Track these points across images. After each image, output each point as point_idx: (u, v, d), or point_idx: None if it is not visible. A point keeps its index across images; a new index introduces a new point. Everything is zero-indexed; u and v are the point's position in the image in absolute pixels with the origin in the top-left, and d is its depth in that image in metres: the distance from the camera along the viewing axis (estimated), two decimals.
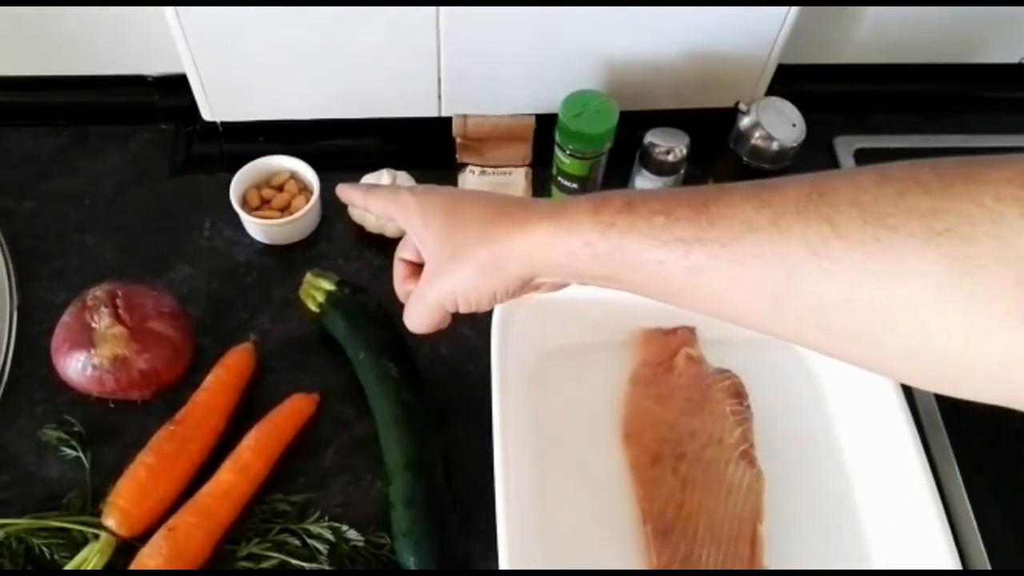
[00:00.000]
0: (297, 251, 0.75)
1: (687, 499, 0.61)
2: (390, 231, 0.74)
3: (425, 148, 0.81)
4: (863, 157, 0.84)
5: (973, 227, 0.29)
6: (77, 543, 0.57)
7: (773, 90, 0.81)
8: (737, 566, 0.58)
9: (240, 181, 0.74)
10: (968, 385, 0.32)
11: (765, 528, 0.60)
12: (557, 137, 0.73)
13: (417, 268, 0.53)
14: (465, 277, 0.46)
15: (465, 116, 0.78)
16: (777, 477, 0.62)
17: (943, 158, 0.32)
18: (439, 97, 0.79)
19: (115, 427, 0.64)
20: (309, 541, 0.59)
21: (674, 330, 0.68)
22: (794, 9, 0.73)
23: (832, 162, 0.85)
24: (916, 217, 0.31)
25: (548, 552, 0.59)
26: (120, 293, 0.63)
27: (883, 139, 0.87)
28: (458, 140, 0.79)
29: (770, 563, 0.59)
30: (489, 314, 0.61)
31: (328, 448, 0.65)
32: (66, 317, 0.63)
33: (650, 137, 0.73)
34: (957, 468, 0.64)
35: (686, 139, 0.73)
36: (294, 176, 0.76)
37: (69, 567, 0.55)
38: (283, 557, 0.58)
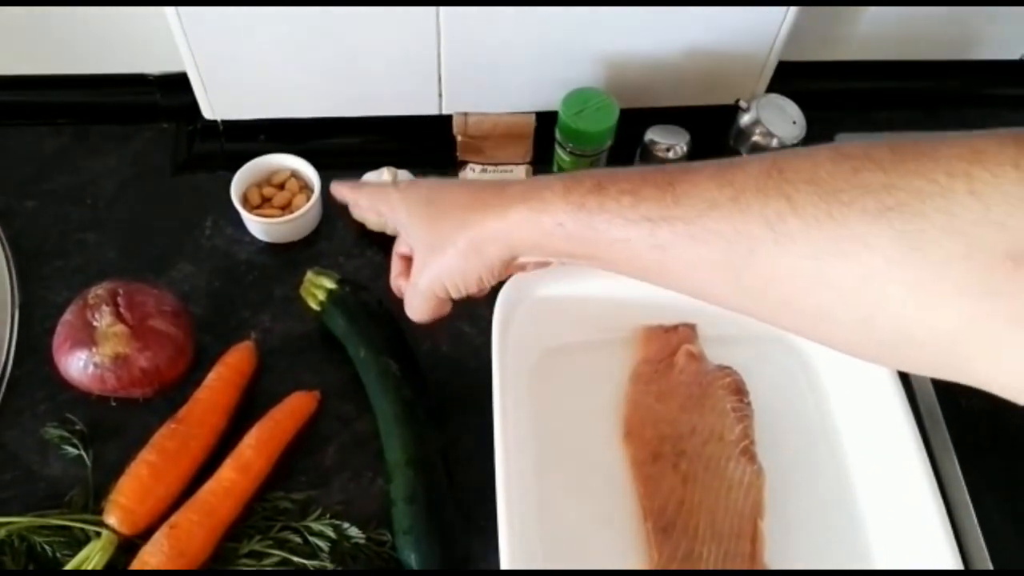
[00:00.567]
0: (298, 249, 0.75)
1: (688, 496, 0.61)
2: (391, 229, 0.74)
3: (426, 146, 0.82)
4: None
5: (923, 202, 0.30)
6: (79, 541, 0.57)
7: (773, 87, 0.81)
8: (738, 562, 0.58)
9: (241, 179, 0.74)
10: (919, 360, 0.33)
11: (766, 524, 0.60)
12: (558, 135, 0.73)
13: (411, 262, 0.55)
14: (449, 263, 0.47)
15: (466, 114, 0.78)
16: (777, 473, 0.62)
17: (901, 136, 0.33)
18: (440, 95, 0.79)
19: (116, 425, 0.64)
20: (310, 539, 0.59)
21: (675, 327, 0.68)
22: (794, 7, 0.73)
23: None
24: (869, 193, 0.31)
25: (549, 549, 0.59)
26: (121, 291, 0.63)
27: (883, 136, 0.86)
28: (459, 138, 0.79)
29: (771, 559, 0.59)
30: (489, 311, 0.61)
31: (329, 446, 0.65)
32: (68, 315, 0.63)
33: (650, 135, 0.73)
34: (957, 463, 0.64)
35: (686, 136, 0.73)
36: (295, 174, 0.77)
37: (71, 565, 0.56)
38: (284, 554, 0.58)
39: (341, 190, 0.58)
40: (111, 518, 0.58)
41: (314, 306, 0.67)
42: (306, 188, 0.76)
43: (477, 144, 0.79)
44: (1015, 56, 0.90)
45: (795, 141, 0.71)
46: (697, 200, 0.37)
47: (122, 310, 0.62)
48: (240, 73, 0.76)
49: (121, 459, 0.61)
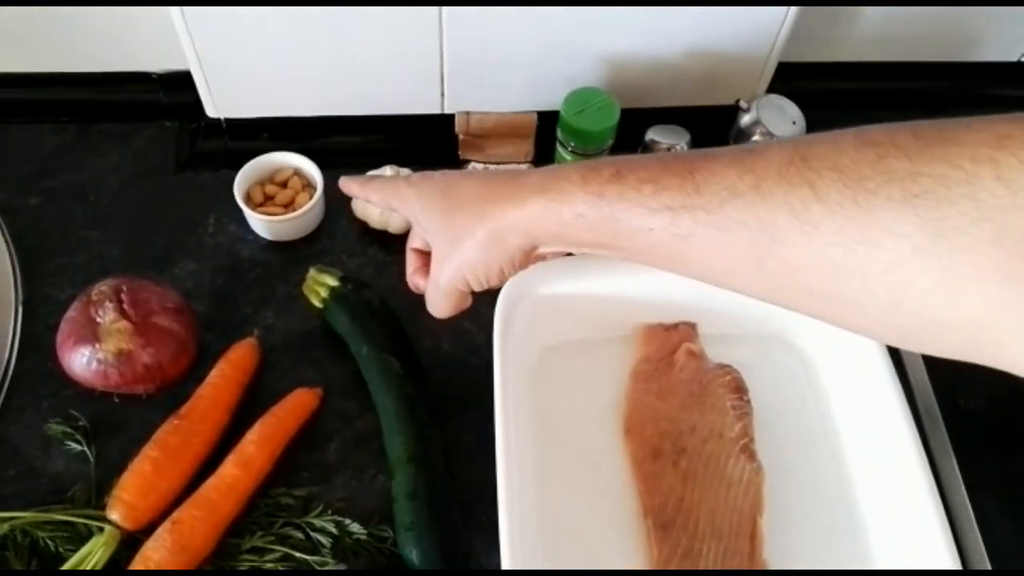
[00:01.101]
0: (301, 247, 0.76)
1: (688, 493, 0.61)
2: (393, 227, 0.74)
3: (428, 145, 0.82)
4: None
5: (949, 189, 0.30)
6: (82, 536, 0.58)
7: (774, 88, 0.82)
8: (737, 560, 0.58)
9: (244, 178, 0.74)
10: (946, 345, 0.33)
11: (765, 522, 0.60)
12: (559, 134, 0.73)
13: (426, 257, 0.54)
14: (470, 256, 0.47)
15: (468, 113, 0.78)
16: (777, 471, 0.62)
17: (922, 121, 0.33)
18: (442, 94, 0.80)
19: (119, 421, 0.65)
20: (312, 534, 0.59)
21: (675, 326, 0.69)
22: (794, 7, 0.74)
23: None
24: (894, 180, 0.31)
25: (549, 545, 0.59)
26: (125, 288, 0.63)
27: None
28: (461, 137, 0.79)
29: (770, 556, 0.59)
30: (491, 309, 0.61)
31: (331, 442, 0.65)
32: (71, 312, 0.64)
33: (651, 134, 0.73)
34: (955, 461, 0.64)
35: (687, 136, 0.73)
36: (298, 173, 0.77)
37: (74, 560, 0.56)
38: (286, 550, 0.58)
39: (351, 186, 0.57)
40: (114, 513, 0.58)
41: (316, 303, 0.68)
42: (309, 186, 0.77)
43: (479, 143, 0.79)
44: (1015, 57, 0.90)
45: None
46: (718, 188, 0.36)
47: (126, 307, 0.62)
48: (243, 71, 0.76)
49: (124, 455, 0.61)
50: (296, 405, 0.64)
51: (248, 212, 0.73)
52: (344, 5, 0.70)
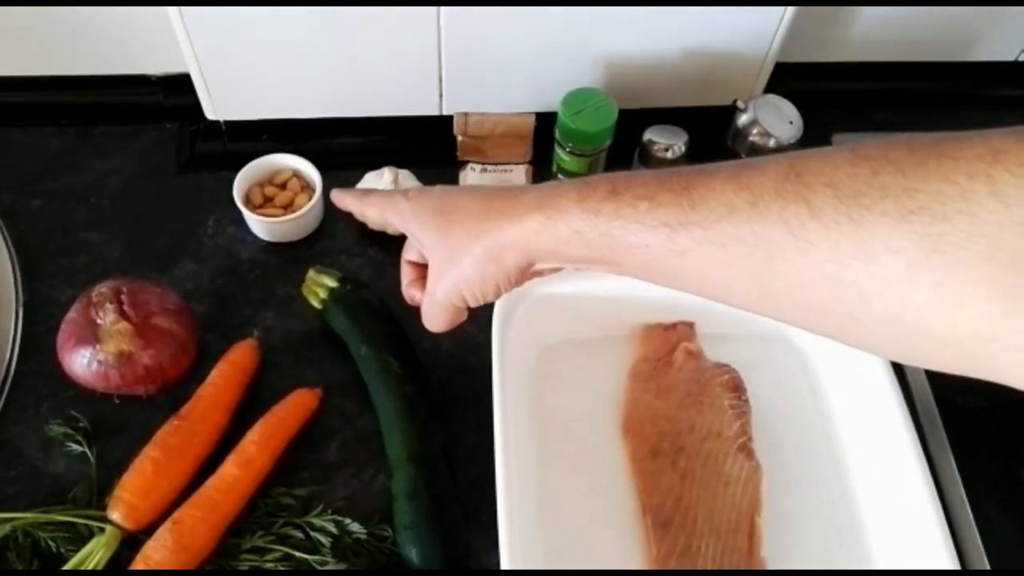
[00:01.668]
0: (300, 248, 0.76)
1: (686, 491, 0.61)
2: (392, 228, 0.74)
3: (426, 146, 0.82)
4: None
5: (944, 205, 0.30)
6: (83, 537, 0.58)
7: (771, 88, 0.82)
8: (735, 558, 0.59)
9: (243, 179, 0.75)
10: (942, 358, 0.33)
11: (763, 520, 0.60)
12: (557, 135, 0.73)
13: (422, 269, 0.54)
14: (466, 273, 0.47)
15: (466, 114, 0.78)
16: (775, 470, 0.63)
17: (918, 134, 0.33)
18: (440, 96, 0.80)
19: (120, 422, 0.65)
20: (312, 534, 0.60)
21: (673, 325, 0.69)
22: (791, 8, 0.74)
23: None
24: (889, 196, 0.31)
25: (549, 544, 0.59)
26: (125, 289, 0.64)
27: (880, 136, 0.87)
28: (459, 138, 0.79)
29: (768, 554, 0.59)
30: (490, 309, 0.62)
31: (331, 442, 0.65)
32: (72, 313, 0.64)
33: (649, 135, 0.74)
34: (954, 461, 0.64)
35: (685, 136, 0.74)
36: (297, 174, 0.77)
37: (75, 560, 0.56)
38: (287, 550, 0.59)
39: (346, 200, 0.57)
40: (115, 514, 0.58)
41: (316, 304, 0.68)
42: (308, 188, 0.77)
43: (477, 144, 0.80)
44: (1012, 57, 0.91)
45: (792, 141, 0.71)
46: (715, 205, 0.36)
47: (126, 308, 0.63)
48: (242, 74, 0.76)
49: (124, 456, 0.61)
50: (296, 405, 0.64)
51: (247, 213, 0.73)
52: (342, 6, 0.70)
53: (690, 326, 0.69)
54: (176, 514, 0.58)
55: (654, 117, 0.76)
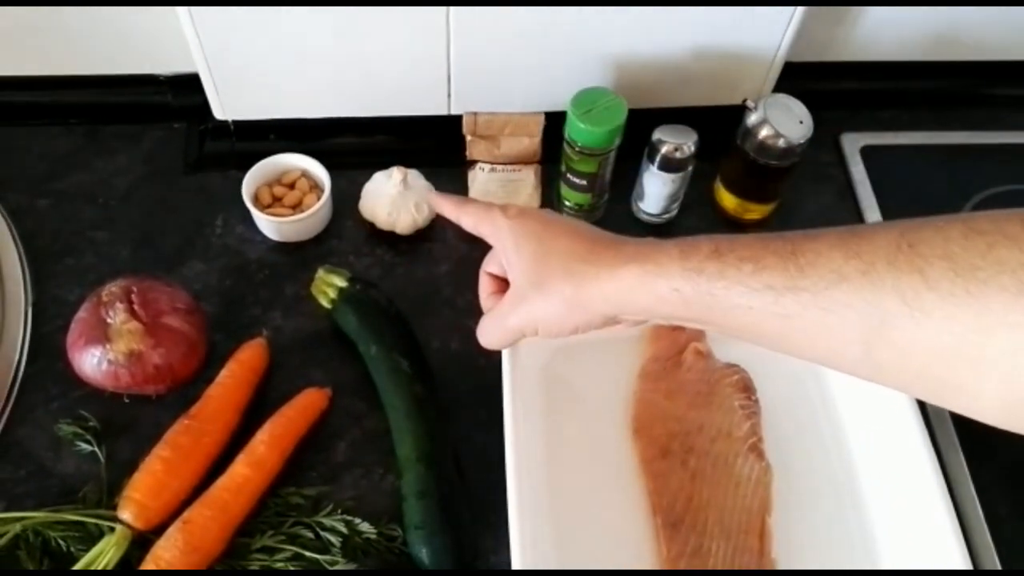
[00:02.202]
0: (309, 248, 0.76)
1: (696, 492, 0.61)
2: (400, 228, 0.75)
3: (436, 146, 0.82)
4: (869, 153, 0.85)
5: None
6: (93, 536, 0.58)
7: (780, 87, 0.82)
8: (746, 558, 0.58)
9: (252, 179, 0.75)
10: None
11: (773, 520, 0.60)
12: (566, 134, 0.73)
13: (501, 283, 0.55)
14: (550, 310, 0.47)
15: (475, 114, 0.78)
16: (785, 470, 0.62)
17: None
18: (449, 95, 0.80)
19: (130, 422, 0.65)
20: (322, 534, 0.60)
21: (682, 325, 0.69)
22: (801, 8, 0.74)
23: (839, 158, 0.85)
24: (1006, 271, 0.32)
25: (559, 544, 0.59)
26: (135, 289, 0.64)
27: (890, 136, 0.87)
28: (468, 138, 0.79)
29: (779, 555, 0.59)
30: None
31: (340, 442, 0.65)
32: (81, 313, 0.64)
33: (658, 134, 0.73)
34: (964, 459, 0.64)
35: (694, 136, 0.73)
36: (305, 174, 0.77)
37: (85, 559, 0.56)
38: (296, 549, 0.59)
39: (443, 204, 0.56)
40: (125, 513, 0.58)
41: (325, 304, 0.68)
42: (316, 187, 0.77)
43: (486, 144, 0.80)
44: (1021, 57, 0.90)
45: (802, 140, 0.71)
46: (824, 271, 0.37)
47: (136, 307, 0.63)
48: (251, 73, 0.76)
49: (134, 455, 0.61)
50: (305, 405, 0.64)
51: (256, 213, 0.73)
52: (351, 6, 0.70)
53: None
54: (186, 514, 0.58)
55: (663, 116, 0.76)
